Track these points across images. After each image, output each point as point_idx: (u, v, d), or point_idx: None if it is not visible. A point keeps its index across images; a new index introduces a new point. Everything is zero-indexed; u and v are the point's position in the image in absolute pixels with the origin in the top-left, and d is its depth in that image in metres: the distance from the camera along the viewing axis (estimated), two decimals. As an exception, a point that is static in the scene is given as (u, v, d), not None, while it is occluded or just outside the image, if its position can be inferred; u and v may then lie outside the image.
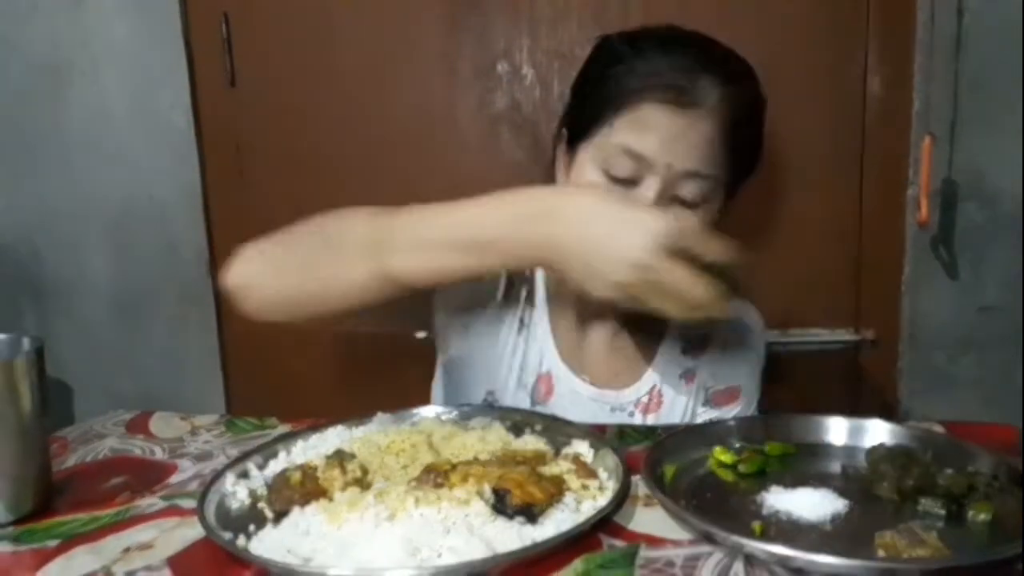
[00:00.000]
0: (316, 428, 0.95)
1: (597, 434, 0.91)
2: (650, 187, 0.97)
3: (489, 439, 0.89)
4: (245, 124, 1.53)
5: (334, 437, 0.93)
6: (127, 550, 0.73)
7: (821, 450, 0.89)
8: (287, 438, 0.92)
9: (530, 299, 1.16)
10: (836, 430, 0.91)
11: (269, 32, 1.50)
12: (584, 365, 1.13)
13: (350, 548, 0.68)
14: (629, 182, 0.98)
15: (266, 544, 0.70)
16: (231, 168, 1.55)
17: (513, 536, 0.69)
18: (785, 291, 1.48)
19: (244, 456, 0.87)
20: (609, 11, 1.42)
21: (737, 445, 0.88)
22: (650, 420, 1.12)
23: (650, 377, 1.14)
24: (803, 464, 0.85)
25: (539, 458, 0.82)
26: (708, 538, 0.69)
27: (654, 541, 0.71)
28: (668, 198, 0.98)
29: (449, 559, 0.65)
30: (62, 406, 1.59)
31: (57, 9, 1.52)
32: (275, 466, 0.86)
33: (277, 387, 1.53)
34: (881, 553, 0.66)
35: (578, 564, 0.67)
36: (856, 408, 1.49)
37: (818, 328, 1.50)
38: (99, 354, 1.59)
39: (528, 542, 0.68)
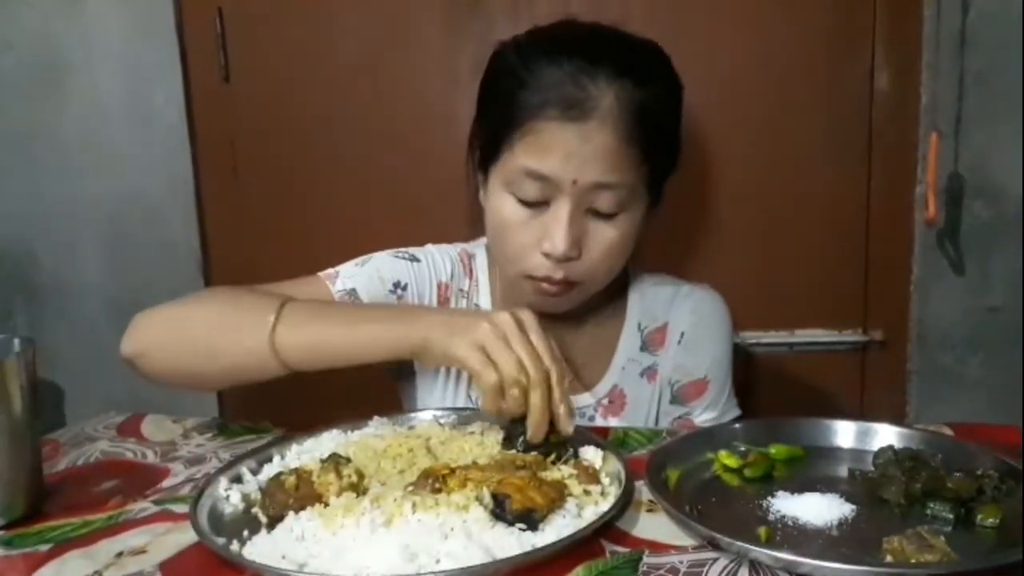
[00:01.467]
0: (311, 432, 0.93)
1: (599, 438, 0.89)
2: (561, 207, 0.96)
3: (488, 443, 0.88)
4: (239, 121, 1.52)
5: (329, 441, 0.91)
6: (120, 555, 0.72)
7: (828, 453, 0.88)
8: (281, 442, 0.91)
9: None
10: (843, 433, 0.90)
11: (263, 28, 1.49)
12: None
13: (346, 554, 0.67)
14: (540, 203, 0.97)
15: (260, 550, 0.69)
16: (225, 165, 1.54)
17: (513, 542, 0.68)
18: (792, 291, 1.47)
19: (237, 460, 0.86)
20: (609, 11, 1.40)
21: (743, 449, 0.86)
22: (612, 422, 1.11)
23: (609, 378, 1.13)
24: (810, 468, 0.85)
25: (540, 463, 0.81)
26: (713, 544, 0.69)
27: (658, 547, 0.70)
28: (583, 212, 0.97)
29: (447, 565, 0.65)
30: (53, 408, 1.58)
31: (51, 6, 1.51)
32: (269, 470, 0.85)
33: (271, 391, 1.52)
34: (889, 558, 0.65)
35: (580, 571, 0.66)
36: (864, 410, 1.48)
37: (825, 328, 1.49)
38: (91, 355, 1.57)
39: (528, 548, 0.67)
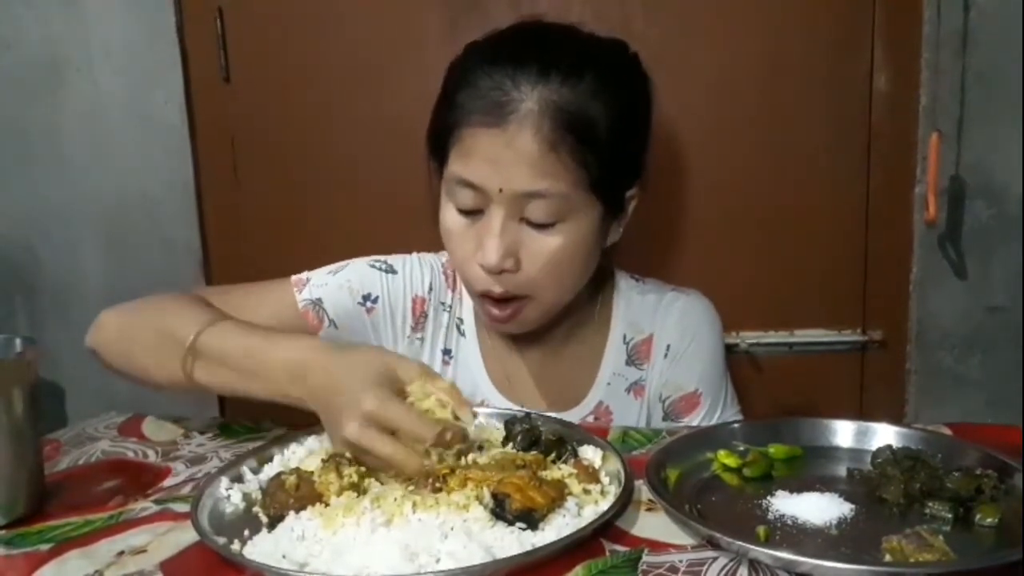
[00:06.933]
0: (311, 431, 0.93)
1: (599, 438, 0.89)
2: (493, 216, 0.93)
3: (487, 443, 0.88)
4: (239, 120, 1.52)
5: (330, 441, 0.91)
6: (120, 554, 0.72)
7: (827, 453, 0.88)
8: (282, 441, 0.91)
9: (459, 328, 1.12)
10: (842, 433, 0.90)
11: (264, 27, 1.49)
12: (521, 391, 1.09)
13: (346, 553, 0.67)
14: (476, 212, 0.95)
15: (260, 549, 0.69)
16: (225, 165, 1.53)
17: (513, 541, 0.68)
18: (792, 291, 1.47)
19: (238, 459, 0.86)
20: (610, 10, 1.41)
21: (742, 448, 0.86)
22: None
23: (594, 394, 1.10)
24: (809, 467, 0.85)
25: (540, 462, 0.81)
26: (712, 543, 0.69)
27: (657, 546, 0.70)
28: (517, 222, 0.94)
29: (448, 564, 0.64)
30: (54, 407, 1.58)
31: (52, 6, 1.50)
32: (270, 470, 0.85)
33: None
34: (888, 558, 0.65)
35: (580, 570, 0.66)
36: (863, 410, 1.48)
37: (825, 329, 1.48)
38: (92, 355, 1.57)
39: (528, 547, 0.67)
